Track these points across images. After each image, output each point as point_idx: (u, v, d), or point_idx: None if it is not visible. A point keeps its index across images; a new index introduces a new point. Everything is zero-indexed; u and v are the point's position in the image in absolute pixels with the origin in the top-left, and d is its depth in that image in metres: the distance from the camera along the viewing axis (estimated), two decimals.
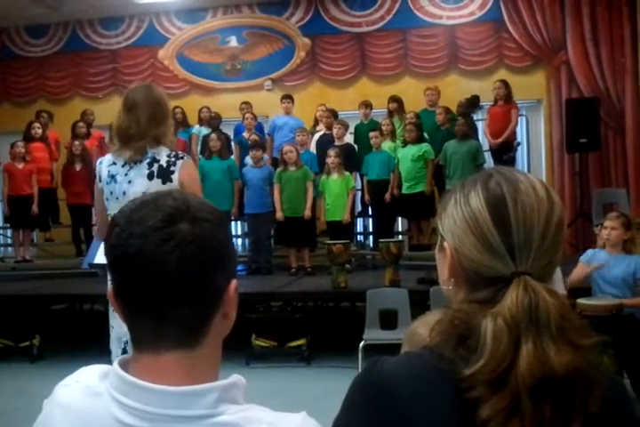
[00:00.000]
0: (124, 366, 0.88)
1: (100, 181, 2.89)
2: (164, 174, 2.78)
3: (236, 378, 0.88)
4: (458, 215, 0.94)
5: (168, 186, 2.73)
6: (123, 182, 2.80)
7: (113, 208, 2.80)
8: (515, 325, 0.84)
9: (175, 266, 0.83)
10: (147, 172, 2.78)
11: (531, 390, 0.81)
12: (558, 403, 0.82)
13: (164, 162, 2.79)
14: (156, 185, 2.74)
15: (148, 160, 2.80)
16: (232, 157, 7.86)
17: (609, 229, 4.43)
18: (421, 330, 1.00)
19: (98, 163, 2.94)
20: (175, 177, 2.78)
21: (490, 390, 0.82)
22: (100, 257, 4.23)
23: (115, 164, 2.84)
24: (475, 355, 0.84)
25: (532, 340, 0.83)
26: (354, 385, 0.93)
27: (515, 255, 0.90)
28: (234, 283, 0.90)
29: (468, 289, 0.94)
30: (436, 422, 0.85)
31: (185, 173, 2.80)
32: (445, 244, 0.97)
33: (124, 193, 2.78)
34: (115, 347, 2.86)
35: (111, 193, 2.84)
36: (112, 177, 2.83)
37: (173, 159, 2.80)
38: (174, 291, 0.84)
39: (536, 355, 0.82)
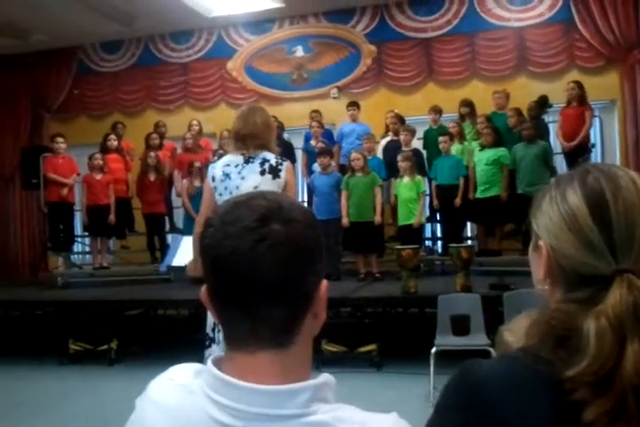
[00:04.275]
0: (217, 364, 0.89)
1: (214, 180, 3.32)
2: (274, 171, 3.26)
3: (326, 377, 0.88)
4: (554, 213, 0.92)
5: (277, 181, 3.24)
6: (236, 179, 3.26)
7: None
8: (619, 324, 0.81)
9: (268, 267, 0.84)
10: (259, 169, 3.27)
11: (637, 393, 0.78)
12: None
13: (273, 162, 3.29)
14: (267, 180, 3.23)
15: (259, 160, 3.29)
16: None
17: None
18: (509, 338, 0.97)
19: (211, 167, 3.42)
20: (282, 175, 3.28)
21: (594, 392, 0.79)
22: (178, 260, 4.40)
23: (228, 165, 3.32)
24: (576, 356, 0.81)
25: (638, 340, 0.80)
26: (448, 388, 0.91)
27: (616, 253, 0.86)
28: (324, 283, 0.91)
29: (566, 289, 0.91)
30: (535, 426, 0.82)
31: (289, 174, 3.33)
32: (541, 242, 0.94)
33: (237, 187, 3.22)
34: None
35: (225, 188, 3.26)
36: (227, 175, 3.28)
37: (280, 161, 3.32)
38: (268, 291, 0.85)
39: None
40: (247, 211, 0.87)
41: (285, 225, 0.86)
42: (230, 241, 0.85)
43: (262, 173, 3.25)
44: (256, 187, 3.17)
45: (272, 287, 0.84)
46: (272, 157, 3.30)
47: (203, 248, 0.89)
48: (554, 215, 0.92)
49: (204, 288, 0.91)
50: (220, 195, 3.27)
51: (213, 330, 3.17)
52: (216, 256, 0.86)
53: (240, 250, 0.84)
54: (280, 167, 3.27)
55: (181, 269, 4.31)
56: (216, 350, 3.05)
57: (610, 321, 0.81)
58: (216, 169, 3.33)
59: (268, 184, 3.20)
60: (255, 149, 3.29)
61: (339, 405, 0.87)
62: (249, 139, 3.29)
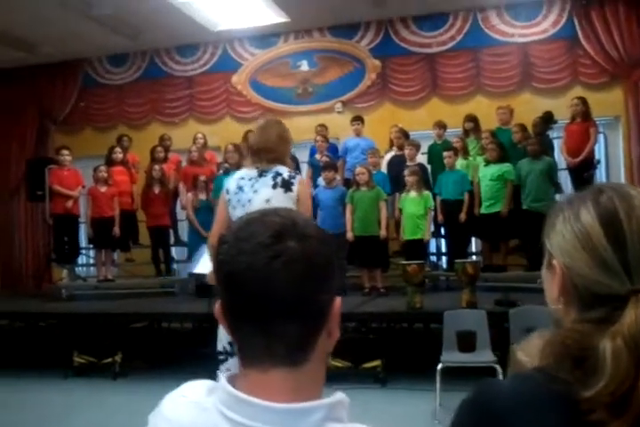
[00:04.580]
0: (232, 381, 0.88)
1: (228, 193, 3.38)
2: (286, 185, 3.31)
3: (340, 396, 0.88)
4: (568, 232, 0.92)
5: (288, 195, 3.29)
6: (249, 192, 3.31)
7: (239, 215, 3.14)
8: (635, 345, 0.80)
9: (283, 283, 0.84)
10: (271, 183, 3.32)
11: None
12: None
13: (285, 175, 3.34)
14: (279, 193, 3.29)
15: (272, 174, 3.34)
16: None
17: None
18: (523, 358, 0.98)
19: (226, 181, 3.53)
20: (294, 188, 3.32)
21: (610, 414, 0.79)
22: (201, 268, 4.48)
23: (243, 178, 3.37)
24: (593, 377, 0.81)
25: None
26: (463, 408, 0.91)
27: (631, 272, 0.86)
28: (338, 300, 0.91)
29: (580, 308, 0.91)
30: None
31: (301, 188, 3.37)
32: (554, 261, 0.94)
33: (250, 200, 3.28)
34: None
35: (238, 201, 3.32)
36: (240, 188, 3.33)
37: (293, 174, 3.39)
38: (282, 308, 0.84)
39: None
40: (261, 227, 0.87)
41: (300, 242, 0.86)
42: (245, 257, 0.85)
43: (274, 186, 3.30)
44: (268, 200, 3.24)
45: (287, 304, 0.84)
46: (285, 171, 3.34)
47: (217, 264, 0.89)
48: (567, 234, 0.92)
49: (218, 304, 0.91)
50: (234, 208, 3.32)
51: (230, 343, 3.14)
52: (230, 272, 0.86)
53: (255, 266, 0.84)
54: (293, 181, 3.32)
55: (202, 276, 4.43)
56: (233, 363, 3.06)
57: (626, 341, 0.81)
58: (231, 182, 3.41)
59: (279, 198, 3.25)
60: (268, 162, 3.35)
61: (352, 424, 0.87)
62: (263, 152, 3.35)
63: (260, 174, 3.34)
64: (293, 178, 3.34)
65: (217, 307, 0.91)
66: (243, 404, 0.84)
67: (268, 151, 3.35)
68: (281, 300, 0.84)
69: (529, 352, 0.94)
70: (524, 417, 0.84)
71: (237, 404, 0.85)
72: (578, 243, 0.90)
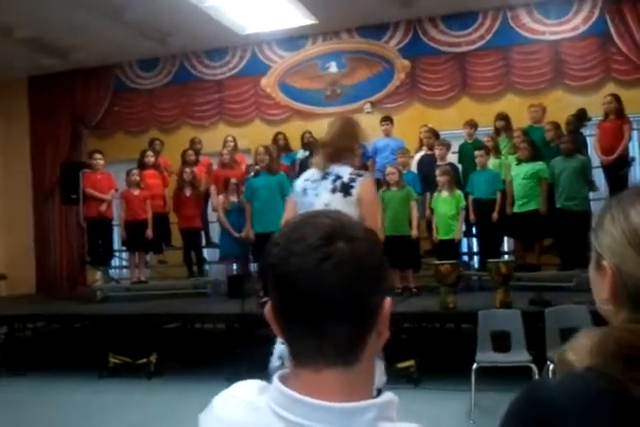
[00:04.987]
0: (284, 381, 0.89)
1: (295, 194, 3.41)
2: (345, 189, 3.21)
3: (390, 396, 0.89)
4: (617, 231, 0.91)
5: (347, 200, 3.18)
6: (311, 195, 3.29)
7: None
8: None
9: (334, 285, 0.84)
10: (330, 187, 3.24)
11: None
12: None
13: (346, 178, 3.23)
14: (338, 198, 3.20)
15: (332, 177, 3.26)
16: None
17: None
18: (572, 357, 0.97)
19: (296, 180, 3.47)
20: (354, 191, 3.19)
21: None
22: None
23: (307, 180, 3.35)
24: None
25: None
26: (514, 409, 0.90)
27: None
28: (388, 301, 0.92)
29: (630, 309, 0.90)
30: None
31: (363, 189, 3.22)
32: (604, 262, 0.93)
33: (312, 204, 3.24)
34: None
35: (302, 204, 3.32)
36: (304, 191, 3.33)
37: (354, 176, 3.24)
38: (333, 309, 0.85)
39: None
40: (311, 229, 0.88)
41: (350, 243, 0.86)
42: (295, 259, 0.86)
43: (333, 190, 3.21)
44: (327, 205, 3.15)
45: (337, 305, 0.85)
46: (346, 173, 3.22)
47: (268, 266, 0.90)
48: (617, 234, 0.91)
49: (268, 306, 0.92)
50: (299, 209, 3.29)
51: (281, 359, 3.11)
52: (281, 274, 0.87)
53: (305, 268, 0.85)
54: (353, 184, 3.19)
55: None
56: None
57: None
58: (298, 183, 3.40)
59: (338, 202, 3.16)
60: (329, 157, 3.28)
61: (402, 424, 0.87)
62: (325, 146, 3.34)
63: (323, 177, 3.27)
64: (354, 181, 3.19)
65: (267, 308, 0.92)
66: (297, 403, 0.85)
67: (328, 145, 3.31)
68: (331, 301, 0.85)
69: (577, 352, 0.92)
70: (578, 415, 0.83)
71: (292, 403, 0.86)
72: (625, 239, 0.90)
